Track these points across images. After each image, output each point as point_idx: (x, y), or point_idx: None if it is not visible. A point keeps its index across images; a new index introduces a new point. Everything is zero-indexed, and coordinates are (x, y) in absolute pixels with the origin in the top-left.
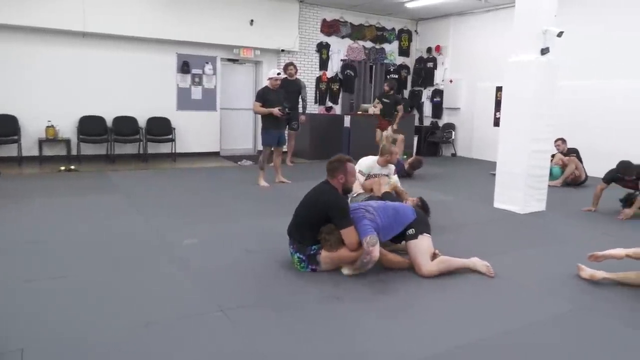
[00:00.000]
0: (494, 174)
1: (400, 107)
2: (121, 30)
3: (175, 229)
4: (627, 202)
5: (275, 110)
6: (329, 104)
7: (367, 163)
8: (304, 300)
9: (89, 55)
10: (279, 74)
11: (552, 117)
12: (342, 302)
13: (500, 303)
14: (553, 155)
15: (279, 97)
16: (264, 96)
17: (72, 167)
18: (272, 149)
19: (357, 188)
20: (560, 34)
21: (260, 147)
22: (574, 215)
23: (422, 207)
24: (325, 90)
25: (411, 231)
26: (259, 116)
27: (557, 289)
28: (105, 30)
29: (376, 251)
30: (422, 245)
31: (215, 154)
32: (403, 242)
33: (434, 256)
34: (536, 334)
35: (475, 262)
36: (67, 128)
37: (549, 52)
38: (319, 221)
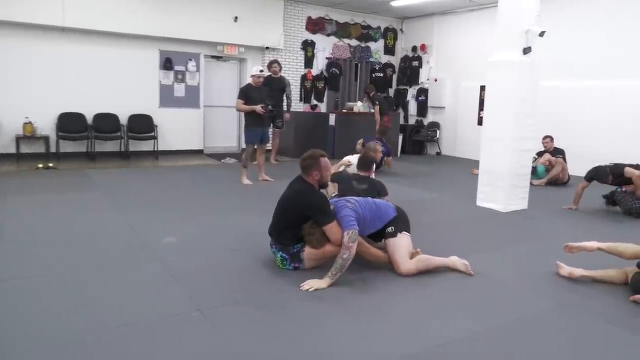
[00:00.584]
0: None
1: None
2: (102, 25)
3: (155, 228)
4: (610, 199)
5: (258, 108)
6: (314, 102)
7: (354, 161)
8: (285, 300)
9: (68, 50)
10: (261, 71)
11: (534, 116)
12: (323, 302)
13: (481, 301)
14: (539, 154)
15: (262, 95)
16: (246, 93)
17: (50, 164)
18: (255, 147)
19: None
20: (542, 34)
21: (244, 145)
22: (556, 214)
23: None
24: (311, 88)
25: (390, 229)
26: (243, 114)
27: (539, 287)
28: (85, 25)
29: (354, 249)
30: (400, 244)
31: (198, 152)
32: (383, 241)
33: (414, 255)
34: (518, 331)
35: (455, 260)
36: (46, 125)
37: (531, 51)
38: (298, 221)
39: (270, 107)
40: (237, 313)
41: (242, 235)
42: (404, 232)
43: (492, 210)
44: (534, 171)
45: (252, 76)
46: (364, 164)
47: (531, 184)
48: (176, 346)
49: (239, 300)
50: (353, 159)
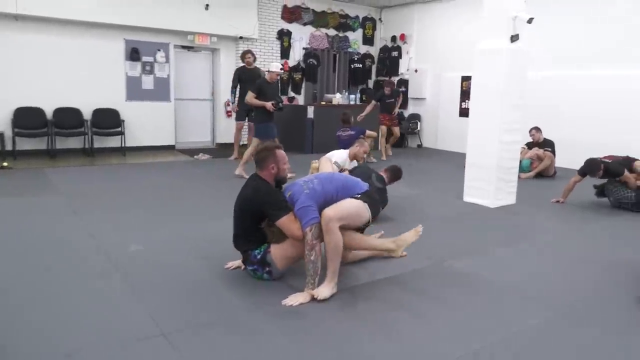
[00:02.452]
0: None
1: (400, 97)
2: (60, 13)
3: (117, 235)
4: (600, 190)
5: (269, 105)
6: (292, 94)
7: (341, 156)
8: (260, 319)
9: (24, 40)
10: (281, 68)
11: (522, 107)
12: (304, 319)
13: (475, 312)
14: (528, 145)
15: (275, 91)
16: (260, 88)
17: (5, 164)
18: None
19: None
20: (530, 21)
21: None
22: (545, 208)
23: (392, 172)
24: (287, 80)
25: (358, 195)
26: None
27: (534, 293)
28: (41, 12)
29: (319, 247)
30: (354, 204)
31: (170, 148)
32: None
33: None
34: (516, 349)
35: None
36: (1, 121)
37: (518, 39)
38: (257, 221)
39: (280, 104)
40: (206, 336)
41: (214, 240)
42: (366, 205)
43: (479, 205)
44: (519, 165)
45: (271, 72)
46: (393, 173)
47: (519, 177)
48: None
49: (208, 321)
50: (338, 156)
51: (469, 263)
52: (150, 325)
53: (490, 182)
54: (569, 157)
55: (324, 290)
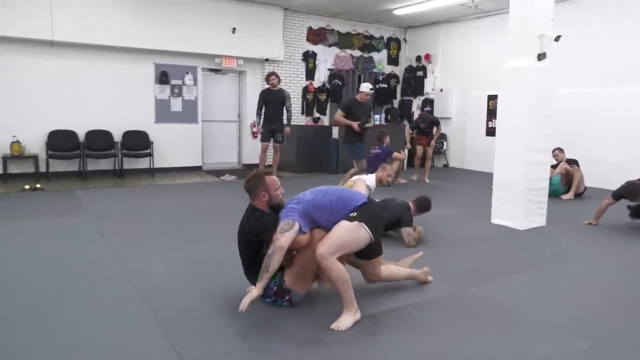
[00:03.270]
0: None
1: (439, 128)
2: (93, 39)
3: (141, 257)
4: (637, 212)
5: (355, 125)
6: (317, 114)
7: (372, 181)
8: (282, 347)
9: (58, 65)
10: (371, 89)
11: (549, 126)
12: (326, 347)
13: (507, 341)
14: (553, 167)
15: (364, 112)
16: (349, 108)
17: (38, 185)
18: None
19: None
20: (558, 38)
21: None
22: (577, 231)
23: (419, 204)
24: (312, 100)
25: (353, 214)
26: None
27: (568, 322)
28: (75, 39)
29: (283, 239)
30: (341, 228)
31: (197, 169)
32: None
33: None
34: None
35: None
36: (35, 143)
37: (545, 57)
38: (258, 250)
39: (366, 125)
40: None
41: (236, 265)
42: (363, 225)
43: (507, 227)
44: (550, 182)
45: (360, 92)
46: (420, 204)
47: (561, 198)
48: None
49: (229, 349)
50: (370, 181)
51: (497, 289)
52: (170, 352)
53: (518, 204)
54: (599, 176)
55: (345, 321)
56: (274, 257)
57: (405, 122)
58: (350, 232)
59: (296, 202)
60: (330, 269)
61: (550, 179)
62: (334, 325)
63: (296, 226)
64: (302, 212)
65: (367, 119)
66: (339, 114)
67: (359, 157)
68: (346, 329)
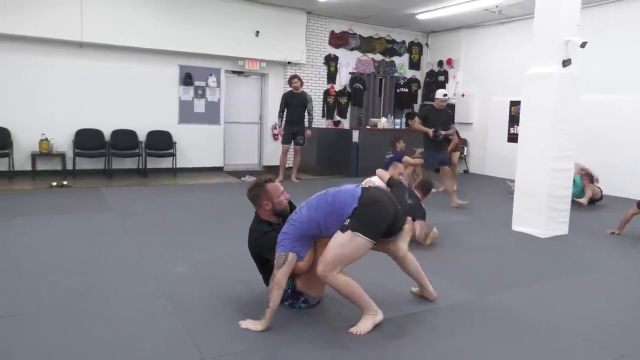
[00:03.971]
0: (512, 190)
1: (455, 139)
2: (120, 40)
3: (164, 255)
4: None
5: (430, 132)
6: (337, 118)
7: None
8: (300, 350)
9: (86, 66)
10: (445, 95)
11: (574, 133)
12: (347, 350)
13: (527, 351)
14: None
15: (442, 119)
16: (426, 115)
17: (65, 182)
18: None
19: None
20: (583, 45)
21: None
22: (600, 240)
23: (422, 188)
24: (333, 103)
25: (347, 221)
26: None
27: (593, 332)
28: (103, 40)
29: (279, 275)
30: (337, 242)
31: (218, 169)
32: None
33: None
34: None
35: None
36: (63, 141)
37: (571, 63)
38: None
39: (440, 133)
40: None
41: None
42: (358, 234)
43: (529, 235)
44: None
45: (437, 99)
46: (423, 187)
47: (575, 201)
48: None
49: (249, 348)
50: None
51: (517, 297)
52: (192, 350)
53: (540, 211)
54: (621, 185)
55: (363, 325)
56: (273, 293)
57: None
58: (343, 246)
59: (292, 222)
60: (333, 285)
61: (574, 180)
62: (353, 329)
63: (290, 257)
64: (297, 236)
65: (445, 126)
66: (416, 121)
67: (427, 166)
68: (366, 333)
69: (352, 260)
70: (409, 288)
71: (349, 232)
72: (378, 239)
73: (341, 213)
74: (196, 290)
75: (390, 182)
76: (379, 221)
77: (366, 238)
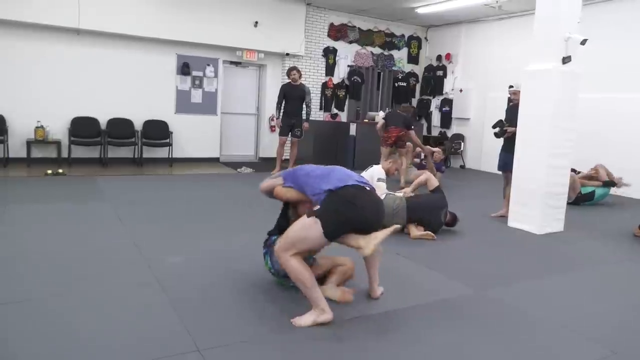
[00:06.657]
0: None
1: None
2: (118, 28)
3: (159, 244)
4: None
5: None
6: (335, 110)
7: (380, 172)
8: (295, 340)
9: (83, 53)
10: (511, 87)
11: (572, 130)
12: (343, 343)
13: (522, 346)
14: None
15: (508, 115)
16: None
17: (60, 170)
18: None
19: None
20: (584, 42)
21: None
22: (595, 237)
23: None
24: (331, 96)
25: (316, 207)
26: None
27: (587, 328)
28: (101, 27)
29: (263, 183)
30: (299, 226)
31: (214, 160)
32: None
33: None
34: None
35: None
36: (58, 129)
37: (570, 60)
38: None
39: (496, 130)
40: (242, 356)
41: (251, 255)
42: (318, 221)
43: (524, 231)
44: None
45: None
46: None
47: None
48: None
49: (244, 338)
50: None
51: (512, 293)
52: (187, 340)
53: (536, 208)
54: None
55: (305, 319)
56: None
57: (423, 122)
58: (303, 229)
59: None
60: (285, 267)
61: (594, 192)
62: (294, 319)
63: (279, 180)
64: (290, 173)
65: (501, 122)
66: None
67: (499, 167)
68: (304, 326)
69: (306, 247)
70: (405, 282)
71: (312, 217)
72: (334, 238)
73: (319, 183)
74: (191, 280)
75: (436, 189)
76: (343, 217)
77: (321, 229)
